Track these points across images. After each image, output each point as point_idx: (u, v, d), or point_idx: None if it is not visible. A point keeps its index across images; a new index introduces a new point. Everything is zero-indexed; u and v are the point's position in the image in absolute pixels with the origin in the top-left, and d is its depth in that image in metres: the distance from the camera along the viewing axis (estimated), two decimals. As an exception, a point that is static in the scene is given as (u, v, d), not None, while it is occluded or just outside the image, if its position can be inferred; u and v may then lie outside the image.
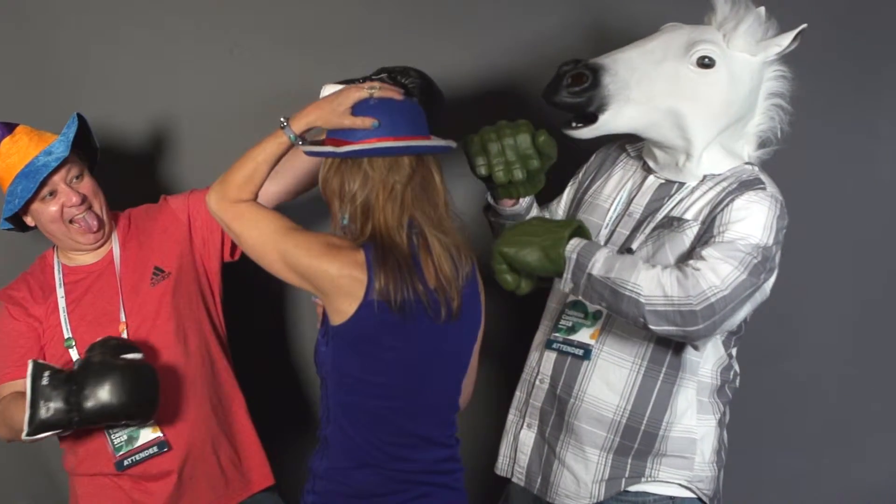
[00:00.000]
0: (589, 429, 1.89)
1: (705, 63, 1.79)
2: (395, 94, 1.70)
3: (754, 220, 1.76)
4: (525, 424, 2.00)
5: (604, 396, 1.88)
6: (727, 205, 1.79)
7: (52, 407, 1.84)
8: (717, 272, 1.70)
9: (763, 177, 1.85)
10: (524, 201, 2.02)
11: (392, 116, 1.67)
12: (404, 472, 1.72)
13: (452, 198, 1.74)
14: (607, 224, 1.96)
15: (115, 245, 2.12)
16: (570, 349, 1.92)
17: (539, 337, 2.04)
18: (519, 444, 2.01)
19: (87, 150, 2.11)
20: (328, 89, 1.83)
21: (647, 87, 1.80)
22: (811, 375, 2.65)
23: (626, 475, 1.89)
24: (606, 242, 1.93)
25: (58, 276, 2.09)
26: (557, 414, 1.93)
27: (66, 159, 1.99)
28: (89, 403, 1.85)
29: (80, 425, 1.89)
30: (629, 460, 1.88)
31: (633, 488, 1.89)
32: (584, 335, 1.92)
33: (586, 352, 1.90)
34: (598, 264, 1.73)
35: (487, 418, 2.39)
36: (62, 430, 1.89)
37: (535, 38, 2.51)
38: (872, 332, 2.64)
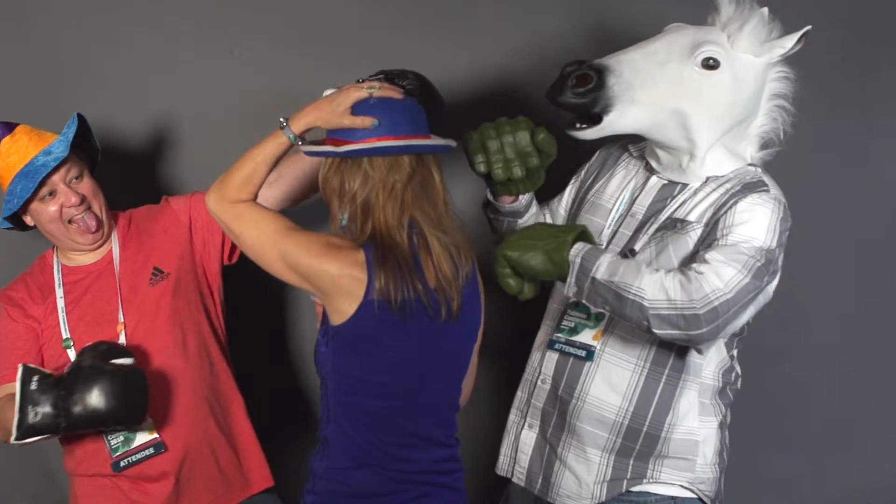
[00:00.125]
0: (591, 430, 1.89)
1: (710, 64, 1.79)
2: (394, 93, 1.70)
3: (758, 222, 1.76)
4: (526, 425, 2.00)
5: (606, 398, 1.87)
6: (731, 207, 1.79)
7: (39, 412, 1.84)
8: (721, 276, 1.70)
9: (766, 178, 1.85)
10: (524, 198, 2.02)
11: (392, 116, 1.67)
12: (404, 472, 1.72)
13: (452, 197, 1.74)
14: (610, 224, 1.96)
15: (114, 245, 2.12)
16: (572, 350, 1.92)
17: (541, 337, 2.04)
18: (520, 445, 2.01)
19: (87, 150, 2.10)
20: (329, 93, 1.83)
21: (651, 89, 1.80)
22: (813, 376, 2.64)
23: (628, 476, 1.88)
24: (609, 243, 1.93)
25: (57, 276, 2.09)
26: (559, 414, 1.93)
27: (65, 159, 1.99)
28: (77, 409, 1.84)
29: (68, 431, 1.89)
30: (631, 461, 1.88)
31: (634, 489, 1.89)
32: (586, 336, 1.91)
33: (589, 353, 1.90)
34: (601, 268, 1.73)
35: (488, 418, 2.39)
36: (50, 434, 1.89)
37: (536, 38, 2.51)
38: (874, 332, 2.63)
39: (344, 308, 1.64)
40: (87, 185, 2.05)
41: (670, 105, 1.80)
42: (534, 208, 2.07)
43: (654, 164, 1.94)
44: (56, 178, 2.00)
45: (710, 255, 1.73)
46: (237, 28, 2.51)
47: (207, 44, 2.51)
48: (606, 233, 1.95)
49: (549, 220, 2.14)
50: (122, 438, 2.01)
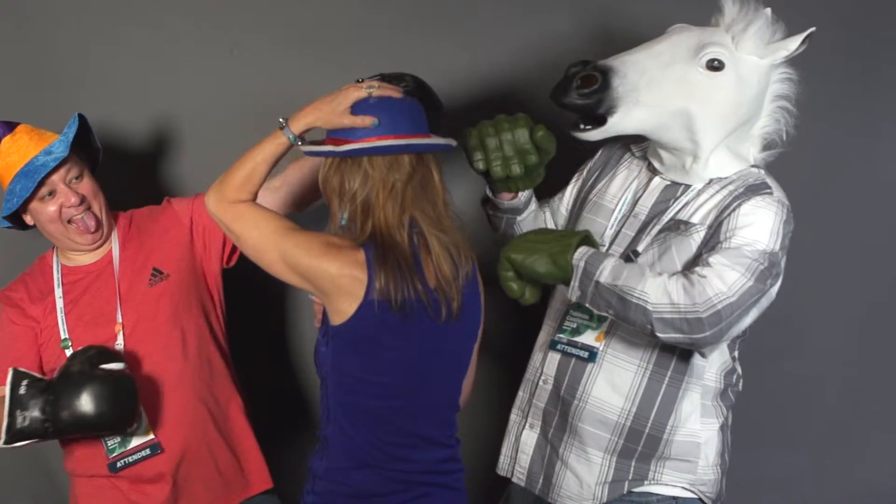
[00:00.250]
0: (593, 430, 1.88)
1: (715, 66, 1.79)
2: (393, 92, 1.70)
3: (761, 225, 1.76)
4: (527, 425, 1.99)
5: (608, 399, 1.87)
6: (734, 210, 1.78)
7: (28, 416, 1.84)
8: (724, 279, 1.70)
9: (769, 181, 1.85)
10: (523, 195, 2.02)
11: (392, 115, 1.67)
12: (404, 472, 1.72)
13: (452, 197, 1.74)
14: (612, 225, 1.95)
15: (114, 245, 2.11)
16: (574, 351, 1.91)
17: (543, 337, 2.03)
18: (520, 445, 2.00)
19: (88, 150, 2.10)
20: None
21: (656, 90, 1.80)
22: (814, 376, 2.64)
23: (630, 477, 1.88)
24: (611, 243, 1.93)
25: (56, 276, 2.09)
26: (561, 415, 1.93)
27: (65, 159, 1.99)
28: (64, 414, 1.84)
29: (56, 436, 1.89)
30: (633, 463, 1.88)
31: (636, 490, 1.89)
32: (589, 337, 1.91)
33: (591, 354, 1.89)
34: (605, 272, 1.73)
35: (488, 418, 2.39)
36: (39, 439, 1.89)
37: (536, 38, 2.51)
38: (875, 332, 2.63)
39: (344, 308, 1.64)
40: (87, 186, 2.05)
41: (675, 106, 1.80)
42: (533, 205, 2.07)
43: (656, 164, 1.94)
44: (56, 177, 2.00)
45: (713, 259, 1.73)
46: (237, 28, 2.51)
47: (207, 44, 2.51)
48: (609, 233, 1.95)
49: (549, 218, 2.14)
50: (118, 439, 2.00)
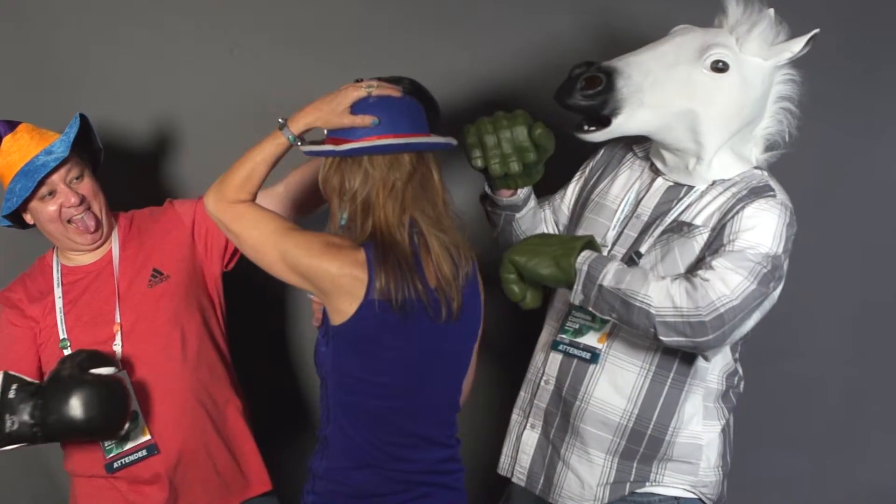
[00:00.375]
0: (595, 432, 1.88)
1: (719, 67, 1.79)
2: (393, 91, 1.70)
3: (764, 228, 1.76)
4: (528, 425, 1.99)
5: (611, 400, 1.87)
6: (737, 212, 1.78)
7: (16, 420, 1.84)
8: (727, 282, 1.70)
9: (773, 183, 1.84)
10: (522, 192, 2.01)
11: (391, 114, 1.67)
12: (404, 472, 1.72)
13: (452, 197, 1.74)
14: (615, 225, 1.95)
15: (114, 245, 2.11)
16: (576, 352, 1.91)
17: (544, 337, 2.03)
18: (521, 445, 2.00)
19: (89, 150, 2.10)
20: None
21: (660, 91, 1.79)
22: (814, 376, 2.64)
23: (632, 479, 1.88)
24: (614, 244, 1.92)
25: (56, 276, 2.09)
26: (562, 416, 1.93)
27: (66, 159, 1.99)
28: (52, 419, 1.84)
29: (45, 440, 1.89)
30: (634, 464, 1.88)
31: (637, 490, 1.89)
32: (591, 339, 1.91)
33: (594, 355, 1.89)
34: (608, 276, 1.73)
35: (488, 418, 2.39)
36: (27, 443, 1.89)
37: (536, 38, 2.50)
38: (875, 332, 2.63)
39: (344, 308, 1.64)
40: (87, 186, 2.04)
41: (679, 107, 1.80)
42: (532, 202, 2.06)
43: (659, 165, 1.93)
44: (56, 177, 2.00)
45: (716, 262, 1.73)
46: (237, 28, 2.51)
47: (207, 44, 2.51)
48: (611, 234, 1.94)
49: (549, 217, 2.13)
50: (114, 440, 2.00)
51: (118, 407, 1.89)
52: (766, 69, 1.82)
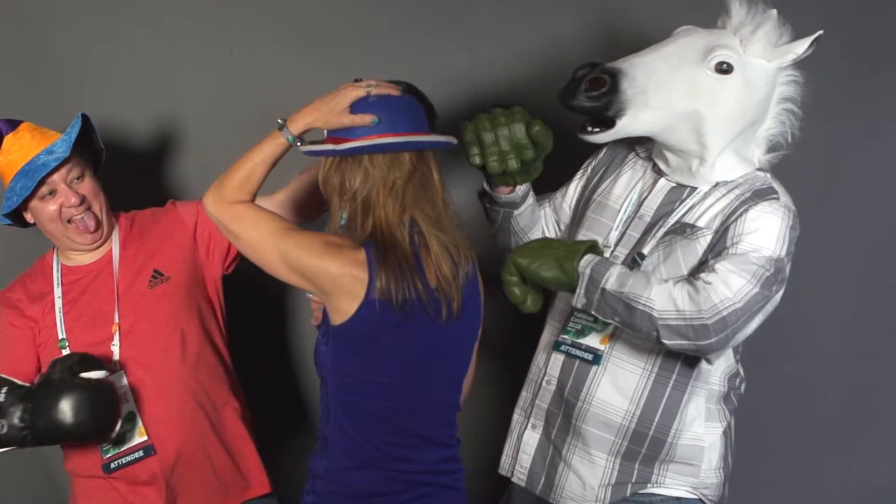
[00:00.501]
0: (597, 432, 1.88)
1: (724, 69, 1.78)
2: (392, 90, 1.70)
3: (768, 231, 1.76)
4: (530, 425, 1.99)
5: (613, 401, 1.87)
6: (741, 215, 1.78)
7: (6, 424, 1.84)
8: (730, 285, 1.70)
9: (776, 185, 1.84)
10: (520, 189, 2.01)
11: (391, 113, 1.67)
12: (404, 472, 1.71)
13: (451, 196, 1.74)
14: (617, 226, 1.95)
15: (114, 245, 2.11)
16: (578, 353, 1.91)
17: (546, 337, 2.03)
18: (522, 445, 2.00)
19: (91, 150, 2.10)
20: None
21: (665, 93, 1.79)
22: (813, 376, 2.64)
23: (633, 480, 1.88)
24: (617, 244, 1.92)
25: (56, 276, 2.08)
26: (564, 416, 1.92)
27: (67, 159, 1.99)
28: (41, 423, 1.84)
29: (35, 444, 1.89)
30: (636, 465, 1.88)
31: (639, 491, 1.89)
32: (593, 340, 1.91)
33: (596, 357, 1.89)
34: (611, 279, 1.73)
35: (489, 418, 2.39)
36: (17, 447, 1.89)
37: (536, 38, 2.50)
38: (874, 332, 2.63)
39: (345, 307, 1.64)
40: (87, 186, 2.04)
41: (683, 108, 1.80)
42: (530, 199, 2.05)
43: (662, 166, 1.93)
44: (57, 177, 2.00)
45: (719, 265, 1.73)
46: (237, 28, 2.51)
47: (207, 44, 2.51)
48: (614, 234, 1.94)
49: (550, 215, 2.13)
50: (113, 440, 1.99)
51: (107, 411, 1.89)
52: (769, 70, 1.82)
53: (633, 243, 1.90)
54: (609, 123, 1.82)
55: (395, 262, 1.62)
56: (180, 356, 2.05)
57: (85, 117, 2.02)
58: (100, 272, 2.09)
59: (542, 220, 2.12)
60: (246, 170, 1.71)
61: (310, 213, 2.11)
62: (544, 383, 1.97)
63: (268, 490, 2.17)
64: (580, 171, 2.12)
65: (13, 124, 2.04)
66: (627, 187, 1.99)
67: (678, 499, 1.89)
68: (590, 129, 1.85)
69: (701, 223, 1.83)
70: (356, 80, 1.72)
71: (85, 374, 1.89)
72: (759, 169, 1.88)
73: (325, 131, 1.71)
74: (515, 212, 2.05)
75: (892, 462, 2.69)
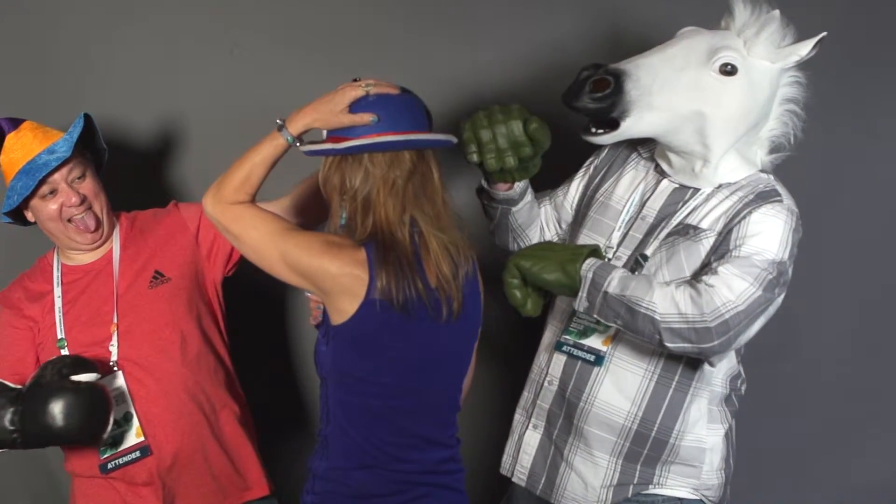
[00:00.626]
0: (599, 433, 1.88)
1: (728, 70, 1.78)
2: (391, 89, 1.69)
3: (771, 234, 1.76)
4: (531, 425, 1.99)
5: (615, 402, 1.87)
6: (744, 217, 1.78)
7: None
8: (732, 288, 1.70)
9: (779, 187, 1.84)
10: (518, 186, 2.00)
11: (391, 111, 1.66)
12: (404, 472, 1.71)
13: (451, 196, 1.73)
14: (620, 226, 1.95)
15: (115, 245, 2.11)
16: (580, 354, 1.91)
17: (548, 337, 2.02)
18: (523, 445, 2.00)
19: (93, 150, 2.10)
20: None
21: (669, 94, 1.79)
22: (811, 375, 2.64)
23: (635, 481, 1.88)
24: (619, 245, 1.92)
25: (56, 275, 2.08)
26: (566, 417, 1.92)
27: (68, 159, 1.99)
28: (31, 426, 1.84)
29: (25, 446, 1.89)
30: (638, 466, 1.88)
31: (641, 492, 1.89)
32: (595, 341, 1.91)
33: (598, 358, 1.89)
34: (613, 283, 1.73)
35: (489, 419, 2.39)
36: (8, 448, 1.89)
37: (537, 38, 2.50)
38: (872, 332, 2.63)
39: (345, 307, 1.64)
40: (88, 186, 2.04)
41: (687, 110, 1.80)
42: (528, 196, 2.05)
43: (665, 167, 1.93)
44: (58, 176, 2.00)
45: (722, 268, 1.73)
46: (237, 28, 2.51)
47: (207, 44, 2.51)
48: (616, 235, 1.94)
49: (549, 213, 2.12)
50: (109, 441, 1.99)
51: (97, 414, 1.88)
52: (773, 72, 1.82)
53: (636, 244, 1.90)
54: (613, 125, 1.82)
55: (395, 261, 1.62)
56: (180, 357, 2.05)
57: (87, 117, 2.02)
58: (100, 272, 2.09)
59: (540, 217, 2.11)
60: (245, 170, 1.70)
61: (311, 219, 2.10)
62: (546, 384, 1.96)
63: (266, 492, 2.16)
64: (582, 170, 2.12)
65: (15, 123, 2.04)
66: (630, 188, 1.99)
67: (680, 499, 1.89)
68: (594, 130, 1.85)
69: (704, 225, 1.83)
70: (354, 80, 1.71)
71: (76, 377, 1.88)
72: (762, 170, 1.88)
73: (325, 131, 1.71)
74: (513, 209, 2.04)
75: (891, 462, 2.69)
